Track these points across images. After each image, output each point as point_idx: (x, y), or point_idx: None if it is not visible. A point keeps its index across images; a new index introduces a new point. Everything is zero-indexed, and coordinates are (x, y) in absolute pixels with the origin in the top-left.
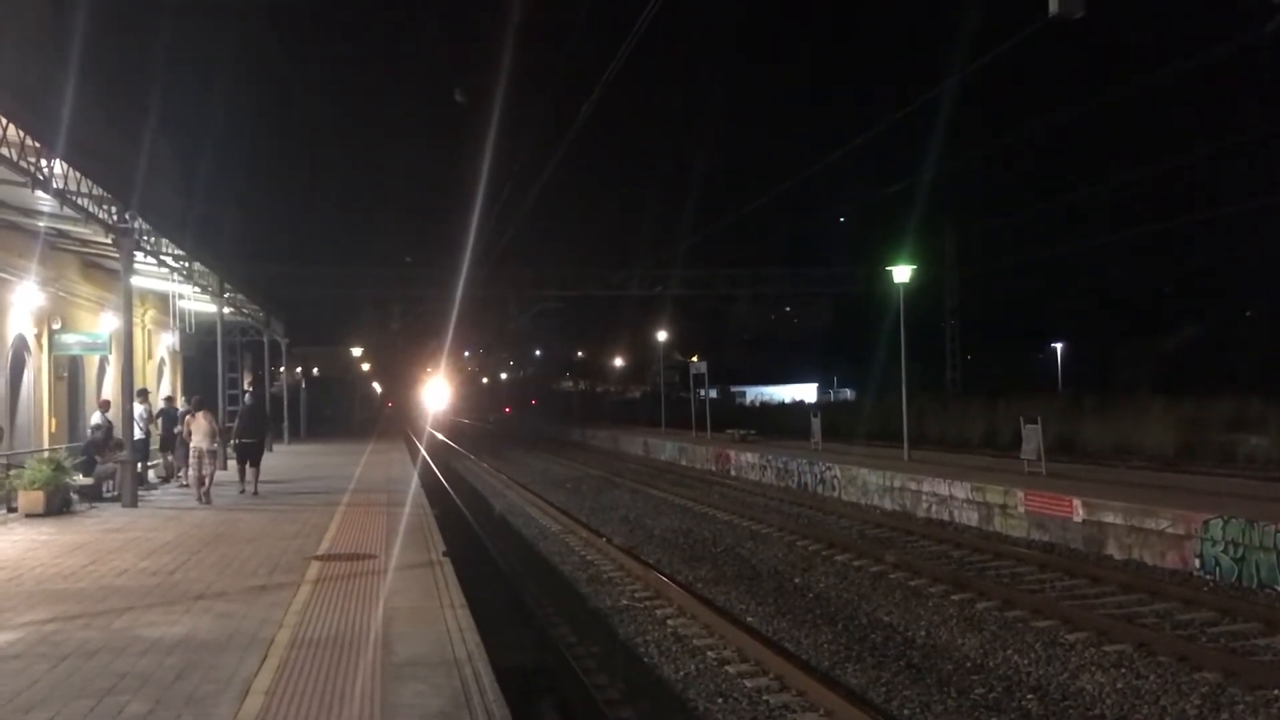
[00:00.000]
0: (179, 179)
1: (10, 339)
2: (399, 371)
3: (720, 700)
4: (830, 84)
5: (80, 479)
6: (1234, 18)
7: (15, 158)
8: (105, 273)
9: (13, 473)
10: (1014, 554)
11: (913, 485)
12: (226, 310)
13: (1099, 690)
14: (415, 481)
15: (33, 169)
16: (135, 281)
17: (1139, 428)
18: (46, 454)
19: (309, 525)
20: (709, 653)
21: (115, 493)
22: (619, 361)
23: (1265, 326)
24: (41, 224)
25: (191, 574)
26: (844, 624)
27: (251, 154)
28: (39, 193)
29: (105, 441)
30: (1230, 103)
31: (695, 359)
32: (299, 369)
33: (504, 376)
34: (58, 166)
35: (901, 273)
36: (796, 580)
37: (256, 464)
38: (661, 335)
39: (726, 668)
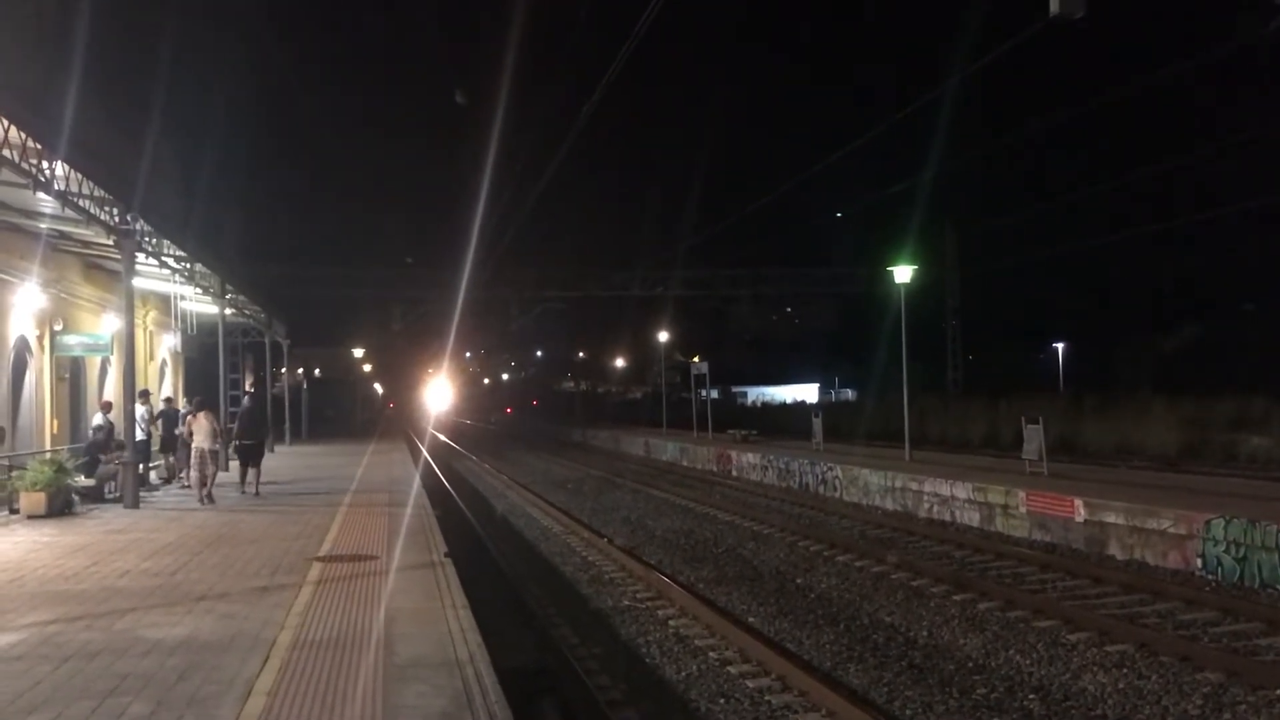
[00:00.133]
0: (180, 180)
1: (12, 340)
2: (400, 372)
3: (722, 701)
4: (831, 84)
5: (82, 480)
6: (1234, 18)
7: (17, 160)
8: (107, 274)
9: (14, 474)
10: (1016, 554)
11: (914, 486)
12: (228, 311)
13: (1101, 690)
14: (416, 482)
15: (34, 171)
16: (137, 283)
17: (1140, 428)
18: (48, 455)
19: (311, 526)
20: (711, 653)
21: (117, 494)
22: (620, 362)
23: (1266, 326)
24: (43, 226)
25: (193, 575)
26: (846, 624)
27: (253, 155)
28: (40, 194)
29: (106, 442)
30: (1230, 103)
31: (696, 359)
32: (300, 370)
33: (505, 377)
34: (59, 168)
35: (902, 273)
36: (798, 581)
37: (257, 465)
38: (663, 336)
39: (728, 668)
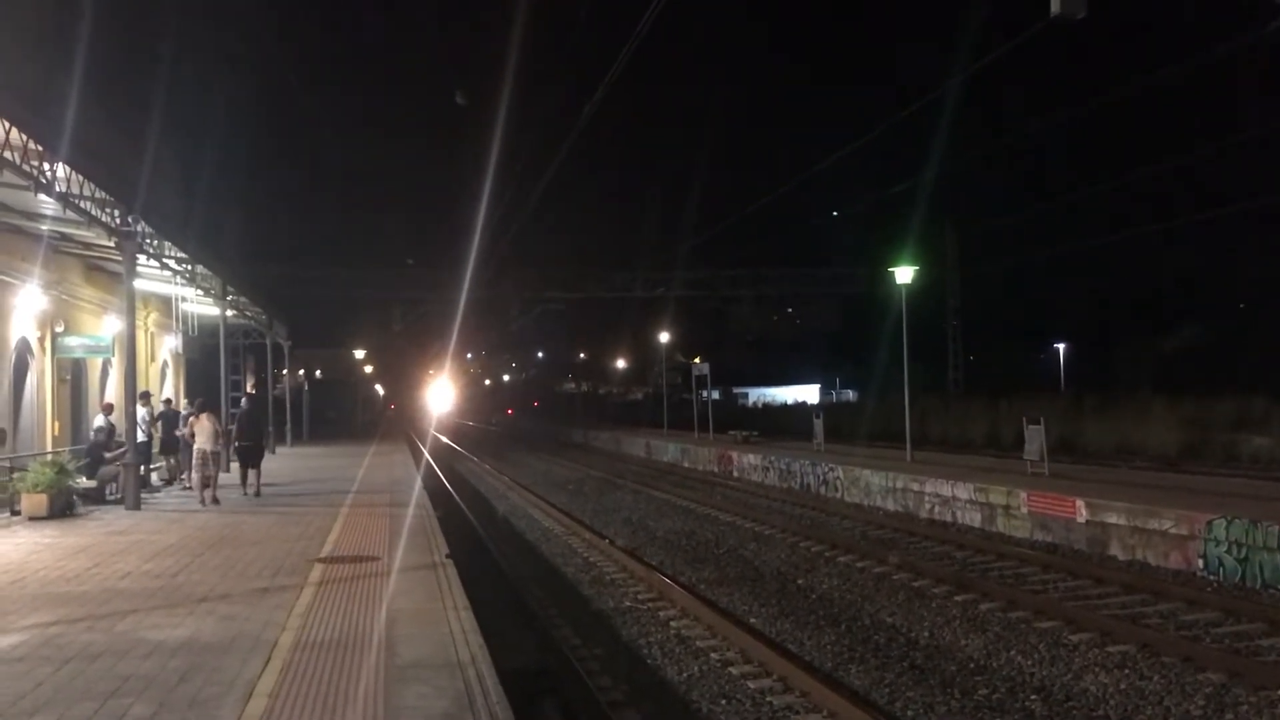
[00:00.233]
0: (181, 182)
1: (13, 342)
2: (401, 373)
3: (724, 702)
4: (832, 84)
5: (83, 482)
6: (1234, 18)
7: (18, 161)
8: (108, 276)
9: (16, 476)
10: (1017, 555)
11: (915, 486)
12: (229, 313)
13: (1103, 691)
14: (418, 483)
15: (35, 173)
16: (138, 284)
17: (1141, 428)
18: (49, 457)
19: (312, 527)
20: (712, 654)
21: (118, 495)
22: (621, 363)
23: (1267, 326)
24: (44, 227)
25: (195, 576)
26: (847, 625)
27: (254, 156)
28: (42, 196)
29: (108, 443)
30: (1230, 103)
31: (697, 360)
32: (301, 371)
33: (506, 378)
34: (60, 170)
35: (903, 273)
36: (800, 582)
37: (257, 466)
38: (664, 336)
39: (730, 669)
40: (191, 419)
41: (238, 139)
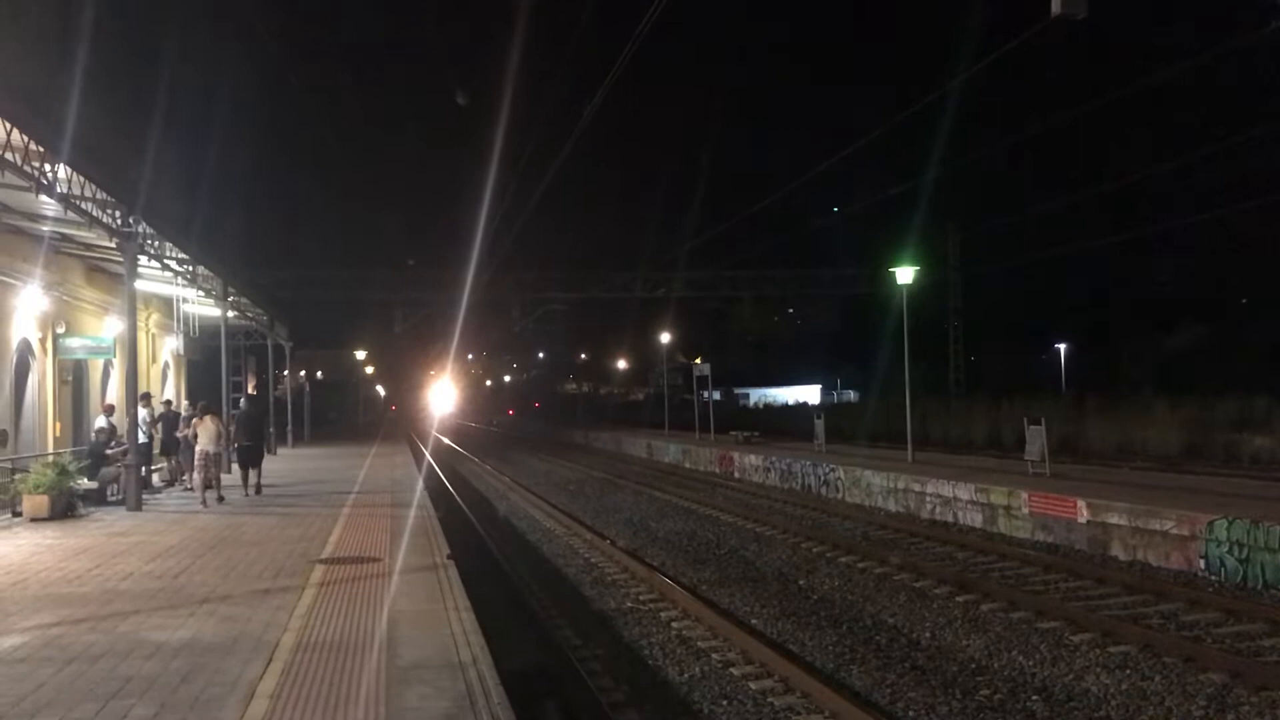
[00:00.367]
0: (183, 183)
1: (15, 343)
2: (402, 374)
3: (725, 703)
4: (833, 85)
5: (84, 483)
6: (1234, 18)
7: (19, 163)
8: (109, 277)
9: (17, 477)
10: (1018, 555)
11: (916, 487)
12: (230, 314)
13: (1104, 692)
14: (419, 484)
15: (37, 174)
16: (139, 285)
17: (1143, 428)
18: (51, 458)
19: (313, 529)
20: (713, 655)
21: (119, 496)
22: (622, 364)
23: (1269, 326)
24: (46, 228)
25: (196, 577)
26: (849, 626)
27: (255, 157)
28: (43, 197)
29: (108, 444)
30: (1231, 102)
31: (698, 361)
32: (303, 372)
33: (507, 379)
34: (62, 171)
35: (904, 274)
36: (801, 582)
37: (257, 466)
38: (665, 337)
39: (731, 670)
40: (195, 420)
41: (239, 140)
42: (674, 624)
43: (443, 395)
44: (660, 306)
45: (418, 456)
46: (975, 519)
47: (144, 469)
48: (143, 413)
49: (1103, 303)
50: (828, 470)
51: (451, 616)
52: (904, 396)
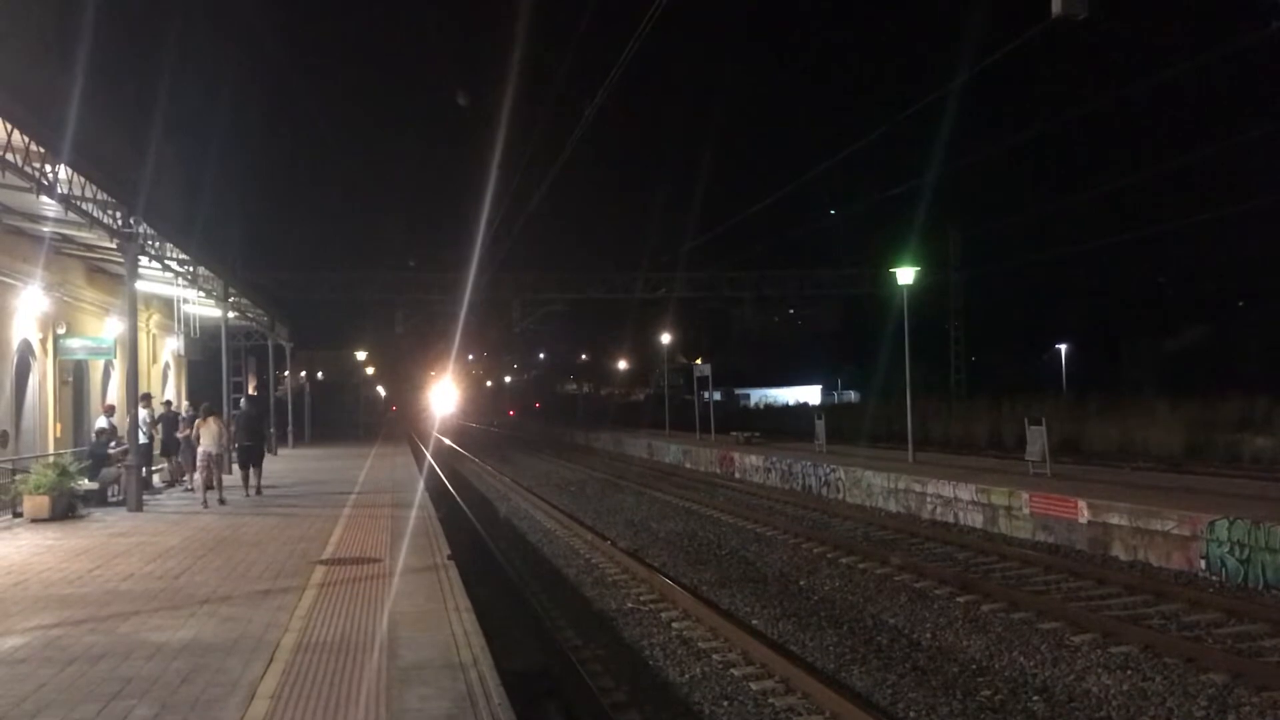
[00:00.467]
0: (184, 184)
1: (15, 344)
2: (403, 375)
3: (726, 703)
4: (834, 85)
5: (85, 484)
6: (1234, 18)
7: (20, 163)
8: (110, 277)
9: (18, 477)
10: (1019, 556)
11: (917, 487)
12: (231, 315)
13: (1105, 692)
14: (420, 485)
15: (38, 174)
16: (140, 286)
17: (1144, 428)
18: (51, 459)
19: (314, 529)
20: (714, 655)
21: (120, 497)
22: (623, 364)
23: (1270, 326)
24: (46, 229)
25: (197, 578)
26: (849, 626)
27: (256, 158)
28: (44, 198)
29: (109, 444)
30: (1232, 102)
31: (699, 361)
32: (303, 373)
33: (508, 380)
34: (62, 172)
35: (905, 274)
36: (801, 583)
37: (258, 467)
38: (665, 338)
39: (732, 670)
40: (198, 421)
41: (240, 141)
42: (675, 625)
43: (443, 396)
44: (660, 307)
45: (418, 457)
46: (976, 519)
47: (144, 470)
48: (143, 413)
49: (1103, 303)
50: (828, 471)
51: (452, 617)
52: (905, 397)
